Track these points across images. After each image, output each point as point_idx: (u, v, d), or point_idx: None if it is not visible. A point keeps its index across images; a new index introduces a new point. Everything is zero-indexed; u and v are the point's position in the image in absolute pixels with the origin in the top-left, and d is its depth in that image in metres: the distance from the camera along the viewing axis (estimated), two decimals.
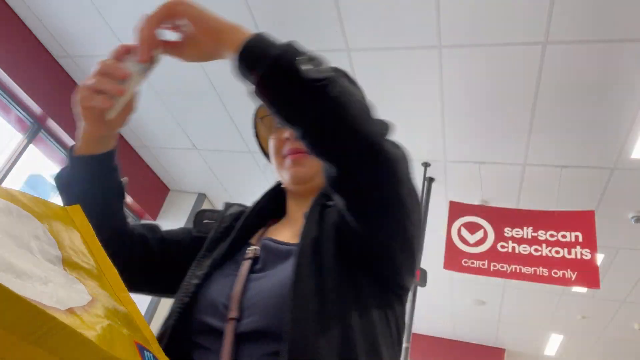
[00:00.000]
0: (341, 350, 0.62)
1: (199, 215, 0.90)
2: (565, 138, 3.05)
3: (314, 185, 0.84)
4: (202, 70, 3.30)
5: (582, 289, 4.51)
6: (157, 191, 4.79)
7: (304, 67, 0.60)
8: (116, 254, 0.72)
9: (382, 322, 0.70)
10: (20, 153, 3.49)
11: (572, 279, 3.04)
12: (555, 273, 3.09)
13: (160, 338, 0.67)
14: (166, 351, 0.60)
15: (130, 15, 3.04)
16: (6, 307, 0.31)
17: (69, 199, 0.77)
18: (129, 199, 4.43)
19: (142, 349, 0.47)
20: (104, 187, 0.78)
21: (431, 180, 3.69)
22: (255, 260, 0.75)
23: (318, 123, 0.62)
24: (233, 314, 0.66)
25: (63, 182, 0.78)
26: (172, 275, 0.82)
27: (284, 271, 0.69)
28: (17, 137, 3.55)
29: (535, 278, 3.12)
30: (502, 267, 3.21)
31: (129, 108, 0.76)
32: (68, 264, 0.51)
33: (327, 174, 0.67)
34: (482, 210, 3.49)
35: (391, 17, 2.59)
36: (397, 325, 0.75)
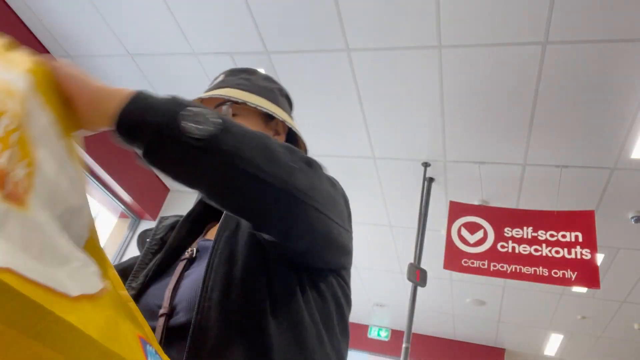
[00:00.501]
0: (248, 332, 0.63)
1: (142, 236, 0.93)
2: (565, 138, 3.05)
3: None
4: (203, 70, 3.30)
5: (582, 289, 4.51)
6: (157, 191, 4.79)
7: (189, 126, 0.56)
8: None
9: (316, 299, 0.71)
10: None
11: (572, 279, 3.04)
12: (555, 273, 3.09)
13: None
14: None
15: (130, 15, 3.04)
16: (5, 301, 0.31)
17: None
18: (129, 199, 4.44)
19: (144, 344, 0.47)
20: None
21: (431, 180, 3.69)
22: (191, 261, 0.77)
23: (218, 181, 0.59)
24: (164, 310, 0.68)
25: None
26: None
27: (199, 270, 0.71)
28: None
29: (535, 278, 3.12)
30: (502, 267, 3.21)
31: None
32: (89, 246, 0.52)
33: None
34: (482, 210, 3.49)
35: (391, 17, 2.59)
36: (334, 297, 0.75)
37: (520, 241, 3.27)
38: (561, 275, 3.07)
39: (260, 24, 2.84)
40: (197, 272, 0.72)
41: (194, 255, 0.78)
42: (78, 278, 0.42)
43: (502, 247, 3.28)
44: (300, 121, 3.52)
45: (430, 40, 2.65)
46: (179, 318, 0.66)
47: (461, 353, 6.40)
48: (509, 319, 5.63)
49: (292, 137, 0.96)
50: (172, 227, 0.86)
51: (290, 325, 0.66)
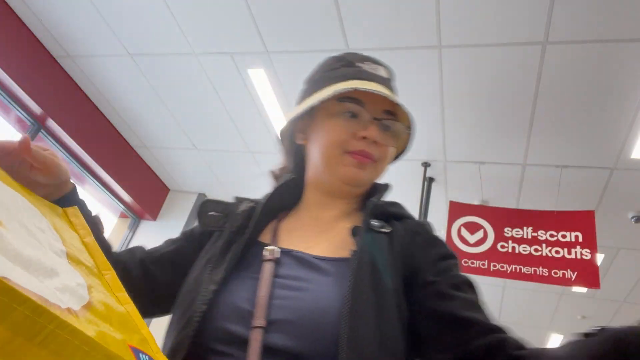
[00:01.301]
0: None
1: (204, 207, 0.82)
2: (565, 138, 3.05)
3: (356, 191, 0.80)
4: (203, 70, 3.30)
5: (582, 289, 4.51)
6: (157, 191, 4.79)
7: None
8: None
9: None
10: None
11: (572, 279, 3.04)
12: (555, 273, 3.09)
13: (177, 349, 0.62)
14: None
15: (130, 15, 3.04)
16: (12, 308, 0.31)
17: None
18: (129, 199, 4.43)
19: (137, 352, 0.47)
20: None
21: (431, 180, 3.69)
22: (276, 262, 0.70)
23: None
24: (259, 321, 0.61)
25: None
26: (163, 296, 0.78)
27: (325, 290, 0.63)
28: (17, 137, 3.55)
29: (535, 278, 3.12)
30: (502, 267, 3.21)
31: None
32: (71, 258, 0.51)
33: None
34: (482, 210, 3.49)
35: (391, 17, 2.59)
36: None
37: (520, 241, 3.27)
38: (561, 275, 3.07)
39: (260, 24, 2.84)
40: (311, 295, 0.63)
41: (278, 256, 0.70)
42: (65, 290, 0.42)
43: (502, 247, 3.28)
44: None
45: (430, 40, 2.65)
46: (282, 339, 0.59)
47: None
48: (509, 319, 5.63)
49: None
50: (249, 214, 0.78)
51: None
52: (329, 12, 2.65)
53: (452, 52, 2.69)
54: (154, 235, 4.62)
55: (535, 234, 3.26)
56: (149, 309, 0.77)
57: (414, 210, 3.82)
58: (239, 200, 0.84)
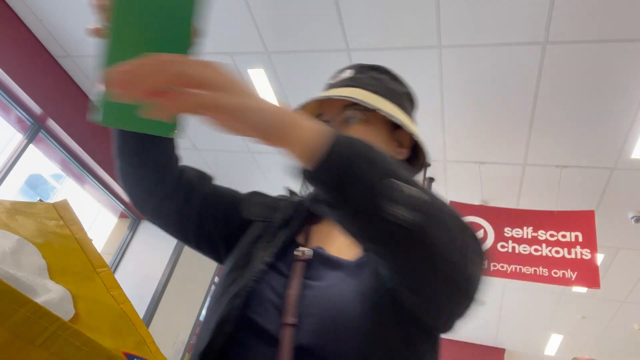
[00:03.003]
0: None
1: (252, 197, 0.84)
2: (565, 138, 3.05)
3: None
4: None
5: (582, 289, 4.51)
6: None
7: (398, 210, 0.48)
8: (155, 192, 0.75)
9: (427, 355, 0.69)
10: (20, 153, 3.49)
11: (572, 279, 3.04)
12: (555, 273, 3.09)
13: (225, 318, 0.62)
14: (229, 335, 0.60)
15: None
16: (14, 309, 0.31)
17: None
18: (129, 199, 4.43)
19: (130, 358, 0.46)
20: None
21: (431, 180, 3.69)
22: (307, 263, 0.70)
23: (407, 266, 0.54)
24: (292, 320, 0.60)
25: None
26: (206, 233, 0.80)
27: (342, 289, 0.64)
28: (17, 137, 3.56)
29: (535, 278, 3.12)
30: (502, 267, 3.21)
31: None
32: (54, 271, 0.51)
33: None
34: (482, 210, 3.49)
35: (391, 17, 2.59)
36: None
37: (520, 241, 3.27)
38: (561, 275, 3.07)
39: (260, 24, 2.84)
40: (333, 292, 0.64)
41: (310, 257, 0.70)
42: (50, 308, 0.43)
43: (502, 247, 3.28)
44: None
45: (430, 40, 2.65)
46: (308, 337, 0.59)
47: (461, 353, 6.40)
48: (509, 319, 5.63)
49: (414, 147, 0.86)
50: (296, 208, 0.78)
51: None
52: (329, 12, 2.65)
53: (452, 52, 2.69)
54: (154, 235, 4.62)
55: (535, 234, 3.26)
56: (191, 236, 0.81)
57: None
58: (292, 192, 0.85)
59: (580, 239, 3.14)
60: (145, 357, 0.49)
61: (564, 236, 3.19)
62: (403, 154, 0.83)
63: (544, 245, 3.21)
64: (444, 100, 3.02)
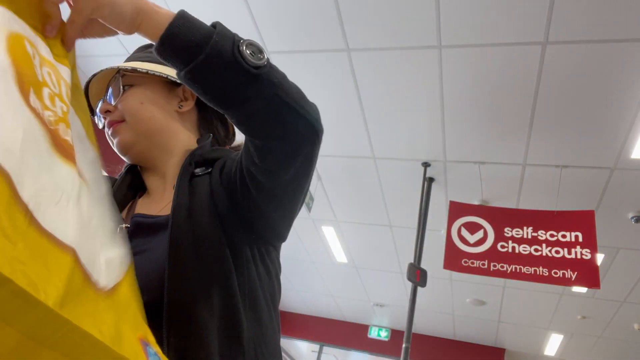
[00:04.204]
0: (221, 312, 0.64)
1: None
2: (565, 138, 3.05)
3: (141, 151, 0.83)
4: None
5: (582, 289, 4.51)
6: None
7: (248, 54, 0.60)
8: None
9: (264, 275, 0.74)
10: None
11: (572, 279, 3.04)
12: (555, 273, 3.09)
13: None
14: None
15: None
16: (26, 311, 0.31)
17: None
18: None
19: (145, 345, 0.47)
20: None
21: (431, 180, 3.69)
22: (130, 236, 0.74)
23: (259, 109, 0.62)
24: None
25: None
26: None
27: (159, 246, 0.69)
28: None
29: (535, 278, 3.12)
30: (502, 267, 3.21)
31: None
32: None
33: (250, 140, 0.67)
34: (482, 210, 3.49)
35: (391, 17, 2.59)
36: (276, 273, 0.79)
37: (520, 241, 3.27)
38: (561, 275, 3.07)
39: (260, 24, 2.84)
40: (153, 249, 0.69)
41: (130, 230, 0.75)
42: (110, 266, 0.45)
43: (502, 247, 3.28)
44: None
45: (430, 40, 2.65)
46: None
47: (461, 353, 6.40)
48: (509, 319, 5.63)
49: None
50: (115, 190, 0.84)
51: (252, 304, 0.69)
52: (329, 12, 2.65)
53: (452, 52, 2.69)
54: None
55: (535, 234, 3.26)
56: None
57: (414, 210, 3.82)
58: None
59: (580, 239, 3.14)
60: (155, 347, 0.50)
61: (564, 236, 3.19)
62: (189, 105, 0.89)
63: (544, 245, 3.21)
64: (443, 100, 3.02)
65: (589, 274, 3.02)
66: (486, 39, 2.57)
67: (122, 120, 0.82)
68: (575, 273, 3.05)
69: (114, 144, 0.84)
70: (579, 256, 3.09)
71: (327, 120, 3.77)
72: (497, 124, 3.09)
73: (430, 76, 2.87)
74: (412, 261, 3.44)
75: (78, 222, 0.40)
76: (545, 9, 2.34)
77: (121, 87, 0.84)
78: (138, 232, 0.74)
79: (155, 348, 0.50)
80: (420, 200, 3.60)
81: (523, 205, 3.72)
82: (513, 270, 3.19)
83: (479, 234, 3.37)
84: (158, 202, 0.81)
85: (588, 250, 3.08)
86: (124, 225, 0.74)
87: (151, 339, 0.50)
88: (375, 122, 3.33)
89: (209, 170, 0.78)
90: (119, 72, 0.85)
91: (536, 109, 2.90)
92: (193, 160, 0.79)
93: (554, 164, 3.27)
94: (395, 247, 4.75)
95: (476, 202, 3.76)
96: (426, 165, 3.57)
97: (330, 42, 2.82)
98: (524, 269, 3.16)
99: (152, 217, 0.76)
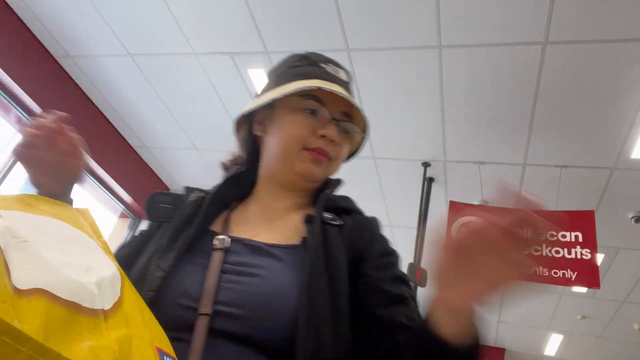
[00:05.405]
0: None
1: (153, 199, 0.82)
2: (565, 138, 3.05)
3: (308, 186, 0.82)
4: (203, 70, 3.30)
5: (582, 289, 4.51)
6: None
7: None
8: None
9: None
10: None
11: (572, 279, 3.04)
12: (555, 273, 3.09)
13: None
14: None
15: (130, 15, 3.04)
16: (17, 349, 0.31)
17: None
18: (129, 199, 4.43)
19: (162, 354, 0.47)
20: None
21: (431, 180, 3.68)
22: (225, 251, 0.71)
23: None
24: (205, 309, 0.61)
25: None
26: None
27: (280, 275, 0.65)
28: (17, 137, 3.56)
29: (535, 278, 3.12)
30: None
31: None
32: (106, 251, 0.53)
33: None
34: (482, 210, 3.49)
35: (391, 17, 2.59)
36: None
37: None
38: (561, 275, 3.07)
39: (260, 24, 2.84)
40: (261, 281, 0.64)
41: (228, 245, 0.71)
42: (103, 287, 0.44)
43: None
44: None
45: (430, 40, 2.65)
46: (231, 324, 0.60)
47: None
48: (509, 319, 5.63)
49: None
50: (198, 204, 0.78)
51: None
52: (329, 12, 2.65)
53: (452, 52, 2.69)
54: None
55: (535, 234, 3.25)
56: None
57: (414, 210, 3.82)
58: (189, 190, 0.84)
59: (580, 239, 3.13)
60: (173, 355, 0.49)
61: (564, 236, 3.18)
62: None
63: (543, 245, 3.20)
64: (443, 100, 3.02)
65: (589, 274, 3.02)
66: (486, 39, 2.57)
67: (330, 159, 0.81)
68: (575, 273, 3.04)
69: (303, 167, 0.79)
70: (579, 256, 3.08)
71: None
72: (497, 124, 3.09)
73: (430, 76, 2.87)
74: (412, 261, 3.44)
75: (43, 260, 0.39)
76: (545, 9, 2.34)
77: (349, 132, 0.84)
78: (243, 250, 0.70)
79: (174, 356, 0.49)
80: (420, 200, 3.60)
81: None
82: None
83: None
84: (265, 223, 0.78)
85: (588, 250, 3.07)
86: (223, 237, 0.71)
87: (168, 348, 0.50)
88: (375, 122, 3.32)
89: (340, 222, 0.76)
90: (352, 106, 0.81)
91: (536, 109, 2.90)
92: (326, 203, 0.78)
93: (554, 164, 3.27)
94: (395, 247, 4.74)
95: (476, 202, 3.76)
96: (426, 165, 3.57)
97: (330, 42, 2.82)
98: None
99: (268, 244, 0.71)
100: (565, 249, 3.13)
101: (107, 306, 0.43)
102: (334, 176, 0.86)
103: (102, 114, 3.97)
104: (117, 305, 0.45)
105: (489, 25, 2.50)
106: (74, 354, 0.35)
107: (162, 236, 0.75)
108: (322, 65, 0.85)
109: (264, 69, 3.14)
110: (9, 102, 3.36)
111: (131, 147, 4.34)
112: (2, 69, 3.13)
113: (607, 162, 3.12)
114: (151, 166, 4.60)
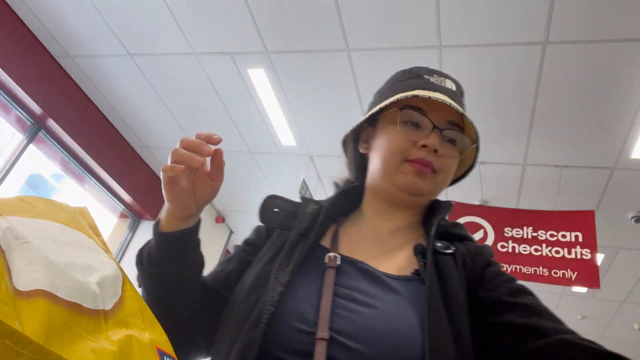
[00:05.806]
0: None
1: (269, 202, 0.79)
2: (565, 138, 3.05)
3: (415, 202, 0.79)
4: (203, 70, 3.30)
5: (582, 289, 4.51)
6: (157, 191, 4.77)
7: None
8: (202, 318, 0.72)
9: None
10: (20, 153, 3.49)
11: (572, 279, 3.04)
12: (555, 273, 3.09)
13: (245, 350, 0.60)
14: None
15: (130, 15, 3.04)
16: (17, 351, 0.31)
17: (156, 281, 0.71)
18: (129, 199, 4.44)
19: (162, 355, 0.47)
20: (190, 264, 0.72)
21: None
22: (337, 270, 0.68)
23: None
24: (323, 333, 0.59)
25: (153, 260, 0.71)
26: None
27: (400, 310, 0.62)
28: (17, 137, 3.56)
29: (535, 278, 3.12)
30: (502, 267, 3.21)
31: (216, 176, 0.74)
32: (105, 250, 0.53)
33: None
34: (482, 210, 3.49)
35: (391, 17, 2.59)
36: None
37: (520, 241, 3.27)
38: (561, 275, 3.07)
39: (260, 24, 2.84)
40: (381, 313, 0.61)
41: (339, 263, 0.69)
42: (104, 286, 0.44)
43: (502, 247, 3.28)
44: (301, 121, 3.53)
45: (430, 40, 2.65)
46: (347, 354, 0.58)
47: None
48: None
49: None
50: (314, 218, 0.75)
51: None
52: (329, 12, 2.65)
53: (452, 52, 2.69)
54: None
55: (535, 234, 3.26)
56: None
57: None
58: (307, 201, 0.82)
59: (580, 239, 3.13)
60: (173, 356, 0.49)
61: (564, 236, 3.19)
62: None
63: (544, 245, 3.21)
64: None
65: (589, 274, 3.02)
66: (486, 39, 2.57)
67: (435, 171, 0.76)
68: (575, 273, 3.05)
69: (406, 180, 0.75)
70: (579, 256, 3.09)
71: (327, 120, 3.78)
72: (497, 124, 3.09)
73: None
74: None
75: (44, 261, 0.39)
76: (545, 9, 2.34)
77: (456, 141, 0.77)
78: (355, 273, 0.68)
79: (173, 356, 0.49)
80: None
81: (523, 205, 3.72)
82: (513, 270, 3.19)
83: (479, 234, 3.37)
84: (385, 251, 0.75)
85: (588, 250, 3.08)
86: (335, 255, 0.69)
87: (168, 348, 0.50)
88: None
89: (452, 250, 0.72)
90: (462, 117, 0.76)
91: (536, 108, 2.90)
92: (437, 230, 0.74)
93: (554, 164, 3.27)
94: None
95: (476, 202, 3.76)
96: None
97: (330, 42, 2.82)
98: (524, 269, 3.16)
99: (384, 274, 0.68)
100: (565, 249, 3.14)
101: (108, 306, 0.43)
102: (444, 198, 0.85)
103: (102, 113, 3.97)
104: (118, 305, 0.45)
105: (489, 25, 2.50)
106: (75, 356, 0.35)
107: (275, 245, 0.75)
108: (426, 76, 0.82)
109: (264, 69, 3.14)
110: (9, 102, 3.36)
111: (131, 147, 4.34)
112: (2, 69, 3.13)
113: (607, 162, 3.12)
114: (151, 166, 4.60)
